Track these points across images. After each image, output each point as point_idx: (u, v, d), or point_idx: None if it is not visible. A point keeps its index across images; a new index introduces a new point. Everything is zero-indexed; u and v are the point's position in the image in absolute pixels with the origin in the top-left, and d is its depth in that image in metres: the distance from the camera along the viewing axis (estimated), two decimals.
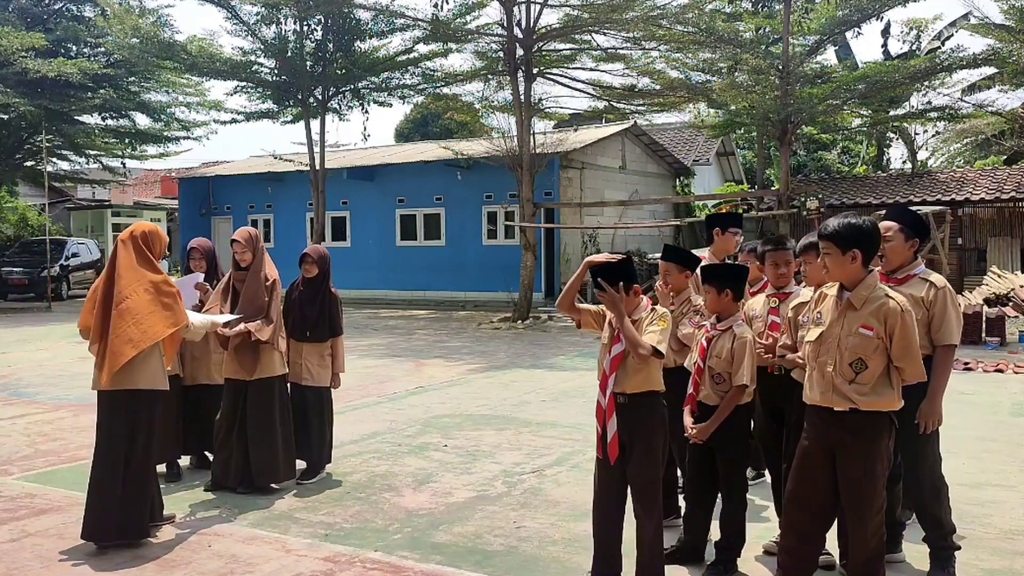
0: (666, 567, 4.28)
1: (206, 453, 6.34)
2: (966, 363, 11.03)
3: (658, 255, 4.91)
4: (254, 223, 25.91)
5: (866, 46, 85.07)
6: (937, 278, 4.15)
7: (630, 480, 3.88)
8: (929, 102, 21.93)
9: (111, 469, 4.62)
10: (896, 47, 28.96)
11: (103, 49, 24.29)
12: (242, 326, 5.49)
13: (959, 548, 4.18)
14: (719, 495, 4.37)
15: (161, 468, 6.15)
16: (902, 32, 28.86)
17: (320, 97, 21.10)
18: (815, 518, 3.63)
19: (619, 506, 3.94)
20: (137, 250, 4.76)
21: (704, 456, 4.29)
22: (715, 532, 4.37)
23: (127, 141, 26.96)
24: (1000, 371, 10.64)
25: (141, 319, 4.62)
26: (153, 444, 4.75)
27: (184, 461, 6.38)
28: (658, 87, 20.28)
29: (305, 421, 5.94)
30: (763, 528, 4.77)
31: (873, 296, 3.50)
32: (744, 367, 4.14)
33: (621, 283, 3.84)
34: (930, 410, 4.01)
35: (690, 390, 4.32)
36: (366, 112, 22.23)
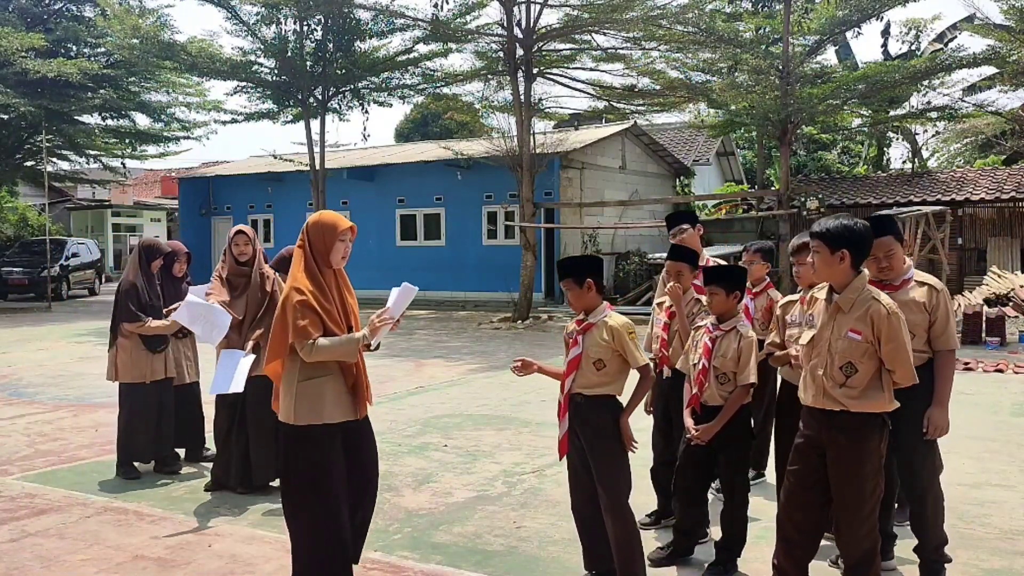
0: (666, 568, 4.30)
1: (202, 448, 6.50)
2: (966, 363, 11.02)
3: (659, 255, 4.95)
4: (254, 223, 25.92)
5: (866, 46, 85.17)
6: (933, 280, 4.08)
7: (596, 482, 3.90)
8: (929, 102, 21.92)
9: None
10: (896, 47, 28.97)
11: (103, 49, 24.28)
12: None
13: (950, 561, 4.12)
14: (720, 495, 4.38)
15: (146, 466, 6.21)
16: (901, 32, 28.86)
17: (320, 97, 21.09)
18: (805, 519, 3.63)
19: (593, 500, 3.95)
20: (300, 246, 3.87)
21: (704, 457, 4.29)
22: (715, 532, 4.38)
23: (127, 141, 26.97)
24: (1000, 371, 10.64)
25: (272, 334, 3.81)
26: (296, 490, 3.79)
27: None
28: (658, 87, 20.28)
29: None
30: (763, 528, 4.76)
31: (861, 299, 3.45)
32: (751, 366, 4.18)
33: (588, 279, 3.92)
34: (940, 417, 3.92)
35: (693, 391, 4.33)
36: (366, 112, 22.25)
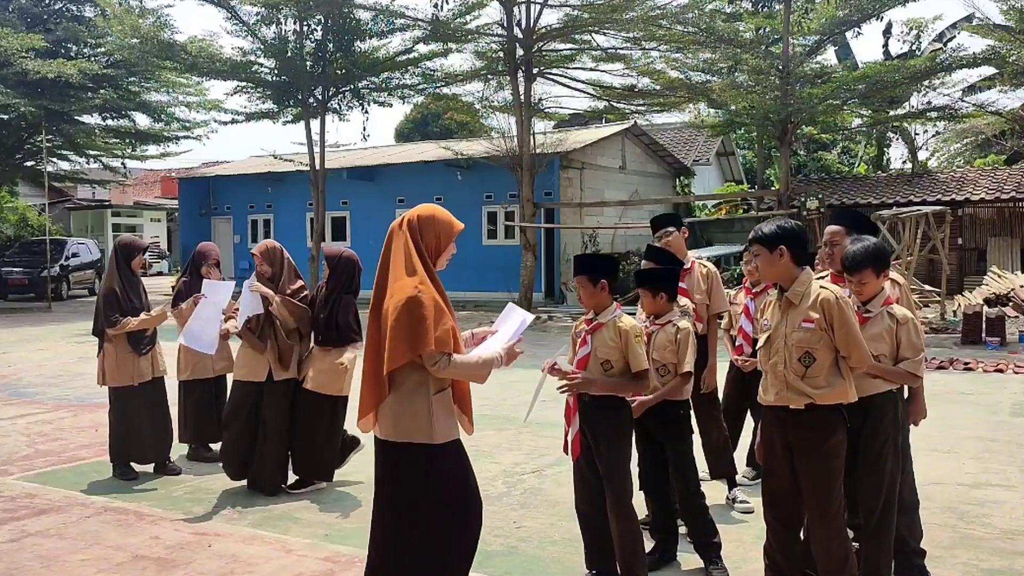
0: (663, 569, 4.30)
1: (201, 446, 6.56)
2: (966, 363, 11.02)
3: None
4: (254, 223, 25.90)
5: (866, 46, 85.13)
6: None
7: (602, 478, 3.92)
8: (929, 102, 21.91)
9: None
10: (896, 47, 28.96)
11: (103, 49, 24.25)
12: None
13: (924, 553, 4.08)
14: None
15: (145, 467, 6.21)
16: (902, 32, 28.83)
17: (320, 97, 21.09)
18: (787, 517, 3.69)
19: (596, 501, 3.96)
20: (405, 242, 3.34)
21: (654, 452, 4.38)
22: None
23: (127, 141, 26.94)
24: (1000, 371, 10.63)
25: (389, 339, 3.10)
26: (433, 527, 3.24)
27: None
28: (658, 87, 20.29)
29: (300, 427, 5.69)
30: (763, 528, 4.75)
31: (809, 291, 3.59)
32: (690, 357, 4.28)
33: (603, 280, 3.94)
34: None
35: None
36: (366, 112, 22.22)
